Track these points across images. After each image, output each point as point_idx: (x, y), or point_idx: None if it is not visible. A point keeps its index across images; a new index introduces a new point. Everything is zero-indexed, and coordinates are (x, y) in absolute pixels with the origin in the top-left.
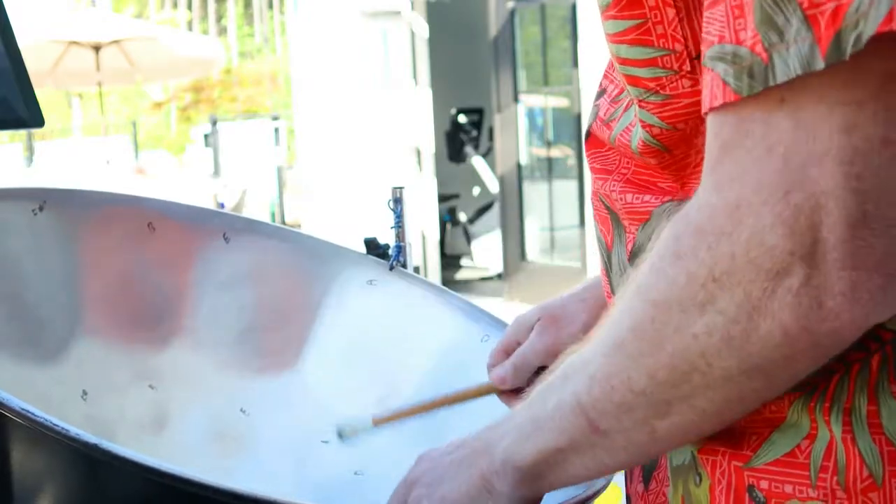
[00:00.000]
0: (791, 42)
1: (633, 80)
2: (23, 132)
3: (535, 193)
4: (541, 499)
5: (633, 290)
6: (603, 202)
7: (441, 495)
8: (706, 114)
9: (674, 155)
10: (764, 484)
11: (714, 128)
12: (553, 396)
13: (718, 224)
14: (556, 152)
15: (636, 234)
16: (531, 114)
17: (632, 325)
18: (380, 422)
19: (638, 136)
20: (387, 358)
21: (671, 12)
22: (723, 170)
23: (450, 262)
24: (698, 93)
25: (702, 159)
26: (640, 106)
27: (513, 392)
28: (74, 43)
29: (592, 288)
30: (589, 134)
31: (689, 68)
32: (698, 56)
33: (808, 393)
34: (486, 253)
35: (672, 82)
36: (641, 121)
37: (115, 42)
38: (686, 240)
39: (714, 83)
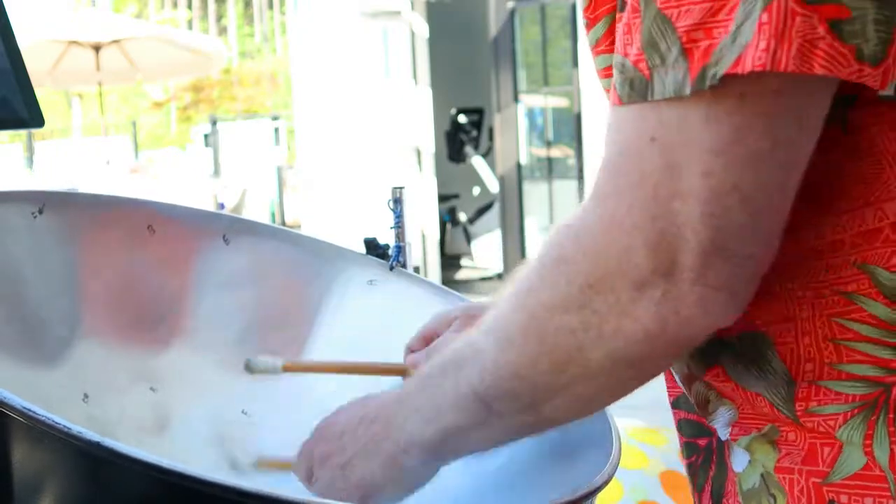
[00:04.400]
0: (670, 67)
1: None
2: (23, 132)
3: (535, 193)
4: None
5: (519, 290)
6: None
7: (356, 480)
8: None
9: None
10: (844, 498)
11: (607, 138)
12: (448, 382)
13: (594, 236)
14: (556, 152)
15: None
16: (531, 114)
17: (519, 322)
18: (290, 368)
19: None
20: (387, 358)
21: None
22: (603, 185)
23: (450, 262)
24: None
25: None
26: None
27: None
28: (74, 43)
29: None
30: None
31: None
32: None
33: (866, 409)
34: (486, 253)
35: None
36: None
37: (115, 42)
38: (567, 245)
39: (612, 88)
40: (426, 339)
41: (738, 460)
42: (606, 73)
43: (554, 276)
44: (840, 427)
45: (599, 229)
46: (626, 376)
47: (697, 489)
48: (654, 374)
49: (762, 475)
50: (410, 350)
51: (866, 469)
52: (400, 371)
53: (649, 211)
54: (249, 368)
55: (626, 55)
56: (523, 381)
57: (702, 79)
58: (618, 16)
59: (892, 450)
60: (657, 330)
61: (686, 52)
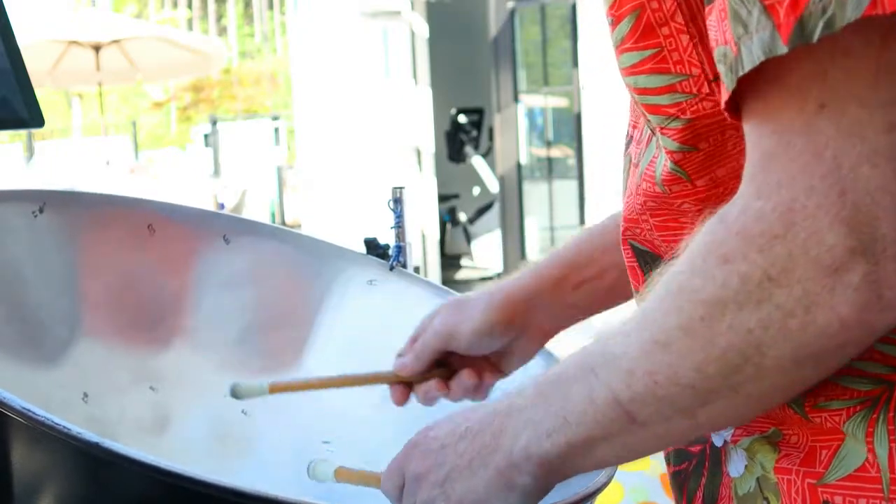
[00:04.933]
0: (754, 32)
1: (653, 109)
2: (23, 132)
3: (535, 193)
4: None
5: (673, 291)
6: (632, 245)
7: (459, 497)
8: (736, 118)
9: (696, 187)
10: (838, 500)
11: (752, 137)
12: (576, 389)
13: (769, 227)
14: (556, 152)
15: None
16: (531, 114)
17: (679, 323)
18: (276, 389)
19: (662, 166)
20: (387, 358)
21: (685, 38)
22: (767, 177)
23: (450, 262)
24: (719, 111)
25: (724, 192)
26: (661, 133)
27: (405, 385)
28: (74, 43)
29: (498, 286)
30: (629, 189)
31: (707, 90)
32: (716, 78)
33: (868, 407)
34: (486, 253)
35: (692, 106)
36: (665, 148)
37: (115, 42)
38: (731, 243)
39: (722, 86)
40: (415, 340)
41: (735, 466)
42: (633, 70)
43: (719, 275)
44: (845, 422)
45: (776, 221)
46: (806, 373)
47: (687, 495)
48: (833, 370)
49: (758, 479)
50: (399, 354)
51: (862, 470)
52: (388, 378)
53: (836, 185)
54: (236, 394)
55: (725, 42)
56: (682, 386)
57: (800, 33)
58: (707, 9)
59: (891, 448)
60: (854, 319)
61: (768, 11)
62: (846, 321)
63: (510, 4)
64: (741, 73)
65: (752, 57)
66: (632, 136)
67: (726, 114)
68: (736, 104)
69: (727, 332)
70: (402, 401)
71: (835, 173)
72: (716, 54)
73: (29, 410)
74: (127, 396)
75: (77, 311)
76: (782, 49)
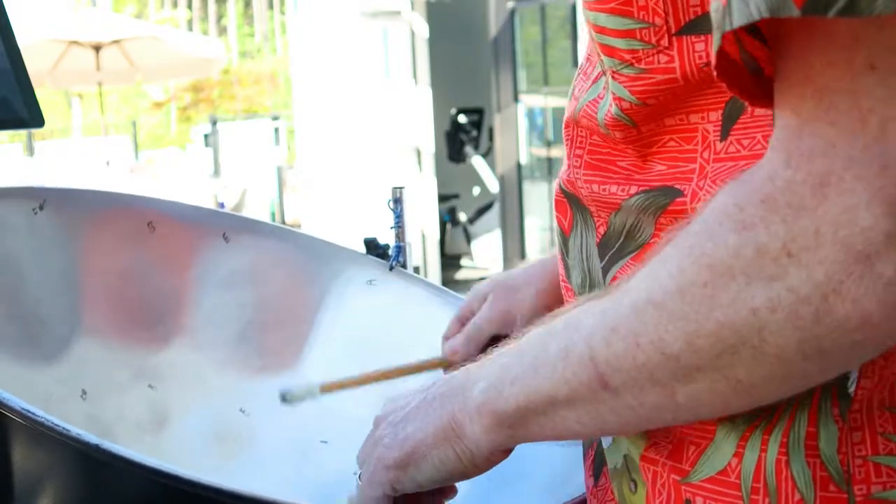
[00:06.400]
0: None
1: (609, 51)
2: (23, 132)
3: (535, 193)
4: (511, 451)
5: (681, 251)
6: (563, 189)
7: (404, 436)
8: (725, 79)
9: (640, 132)
10: (699, 501)
11: (785, 100)
12: (555, 341)
13: (798, 197)
14: (556, 152)
15: (608, 220)
16: (531, 114)
17: (679, 286)
18: (327, 389)
19: (606, 109)
20: (387, 358)
21: None
22: (800, 144)
23: (450, 262)
24: (672, 69)
25: (669, 140)
26: (612, 77)
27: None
28: (74, 43)
29: (543, 262)
30: (565, 118)
31: (666, 44)
32: (679, 32)
33: (766, 417)
34: (486, 253)
35: (648, 56)
36: (613, 93)
37: (115, 42)
38: (752, 210)
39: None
40: (461, 323)
41: (606, 437)
42: (596, 6)
43: (734, 241)
44: (723, 421)
45: (807, 192)
46: (808, 369)
47: (584, 457)
48: (839, 372)
49: (624, 456)
50: (446, 338)
51: (723, 474)
52: (440, 364)
53: (879, 158)
54: (286, 399)
55: None
56: (666, 356)
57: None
58: None
59: (760, 456)
60: (880, 317)
61: None
62: (869, 318)
63: (510, 4)
64: (727, 29)
65: (747, 11)
66: (581, 69)
67: (715, 73)
68: (749, 67)
69: (728, 306)
70: None
71: (879, 143)
72: (712, 11)
73: (29, 411)
74: (126, 394)
75: (76, 309)
76: (794, 12)
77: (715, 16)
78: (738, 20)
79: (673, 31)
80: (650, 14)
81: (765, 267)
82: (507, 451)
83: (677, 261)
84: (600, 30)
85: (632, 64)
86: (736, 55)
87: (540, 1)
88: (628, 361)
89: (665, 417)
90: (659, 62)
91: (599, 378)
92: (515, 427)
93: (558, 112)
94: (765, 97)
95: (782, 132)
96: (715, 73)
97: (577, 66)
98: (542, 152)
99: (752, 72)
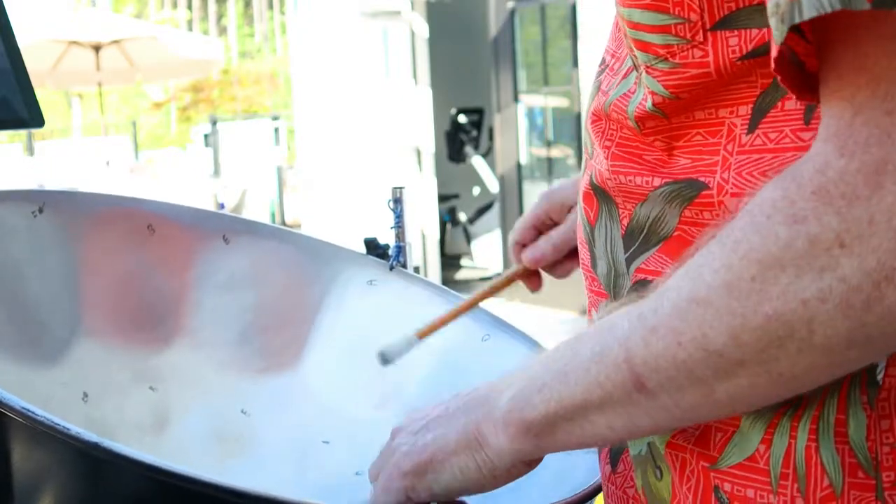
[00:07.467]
0: None
1: (643, 46)
2: (23, 132)
3: (535, 193)
4: (534, 465)
5: (726, 246)
6: (592, 181)
7: (424, 442)
8: (787, 81)
9: (671, 123)
10: (727, 486)
11: (835, 89)
12: (587, 346)
13: (852, 187)
14: (556, 152)
15: (633, 211)
16: (531, 114)
17: (725, 280)
18: (424, 334)
19: (637, 103)
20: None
21: None
22: (853, 133)
23: (450, 262)
24: (707, 64)
25: (696, 134)
26: (646, 72)
27: (536, 274)
28: (74, 43)
29: None
30: (592, 111)
31: (701, 38)
32: (713, 27)
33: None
34: (486, 253)
35: (683, 51)
36: (647, 87)
37: (115, 42)
38: (804, 203)
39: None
40: (536, 228)
41: None
42: (630, 2)
43: (785, 234)
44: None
45: (861, 182)
46: (851, 357)
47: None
48: (884, 357)
49: (649, 444)
50: (521, 244)
51: (751, 460)
52: (522, 274)
53: None
54: (387, 359)
55: None
56: (709, 352)
57: None
58: None
59: (789, 443)
60: None
61: None
62: None
63: (510, 4)
64: (797, 21)
65: (818, 4)
66: (606, 64)
67: (777, 76)
68: (789, 61)
69: (778, 298)
70: (538, 286)
71: None
72: (769, 9)
73: (29, 410)
74: (127, 396)
75: (77, 311)
76: (864, 5)
77: (776, 9)
78: (809, 12)
79: (708, 26)
80: (685, 10)
81: (817, 258)
82: (529, 464)
83: (722, 257)
84: (634, 25)
85: (666, 59)
86: (780, 49)
87: (540, 1)
88: (668, 360)
89: (700, 416)
90: (693, 57)
91: (635, 380)
92: (542, 435)
93: (558, 112)
94: (804, 90)
95: (834, 122)
96: (773, 67)
97: (577, 66)
98: (541, 152)
99: (794, 65)
